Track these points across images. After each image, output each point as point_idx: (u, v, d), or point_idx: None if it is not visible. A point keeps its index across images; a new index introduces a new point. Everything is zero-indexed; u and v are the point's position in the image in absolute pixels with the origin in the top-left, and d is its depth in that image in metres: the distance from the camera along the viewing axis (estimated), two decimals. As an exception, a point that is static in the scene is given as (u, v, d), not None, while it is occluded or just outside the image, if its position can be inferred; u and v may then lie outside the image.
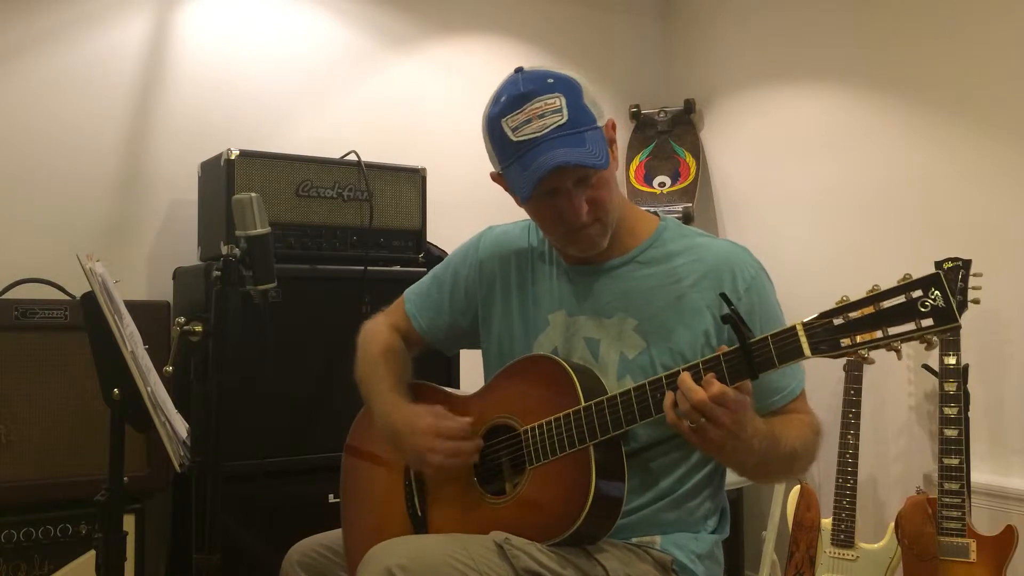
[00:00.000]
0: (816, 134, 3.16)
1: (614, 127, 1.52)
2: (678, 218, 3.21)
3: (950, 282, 2.42)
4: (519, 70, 1.48)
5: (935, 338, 1.20)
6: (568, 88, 1.44)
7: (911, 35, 2.86)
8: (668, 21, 3.78)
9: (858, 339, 1.21)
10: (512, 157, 1.44)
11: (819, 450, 1.51)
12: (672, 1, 3.77)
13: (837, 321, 1.23)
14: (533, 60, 3.54)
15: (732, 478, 1.67)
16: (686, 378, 1.29)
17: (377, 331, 1.76)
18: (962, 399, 2.39)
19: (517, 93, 1.43)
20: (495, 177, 1.54)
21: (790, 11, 3.26)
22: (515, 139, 1.43)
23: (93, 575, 1.61)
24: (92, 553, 1.62)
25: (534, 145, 1.41)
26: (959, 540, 2.34)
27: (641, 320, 1.52)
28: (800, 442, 1.44)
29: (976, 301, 2.43)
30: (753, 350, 1.27)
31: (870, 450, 2.85)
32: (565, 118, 1.41)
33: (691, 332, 1.49)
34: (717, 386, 1.27)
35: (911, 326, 1.18)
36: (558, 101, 1.42)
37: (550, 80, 1.44)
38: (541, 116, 1.41)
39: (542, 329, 1.60)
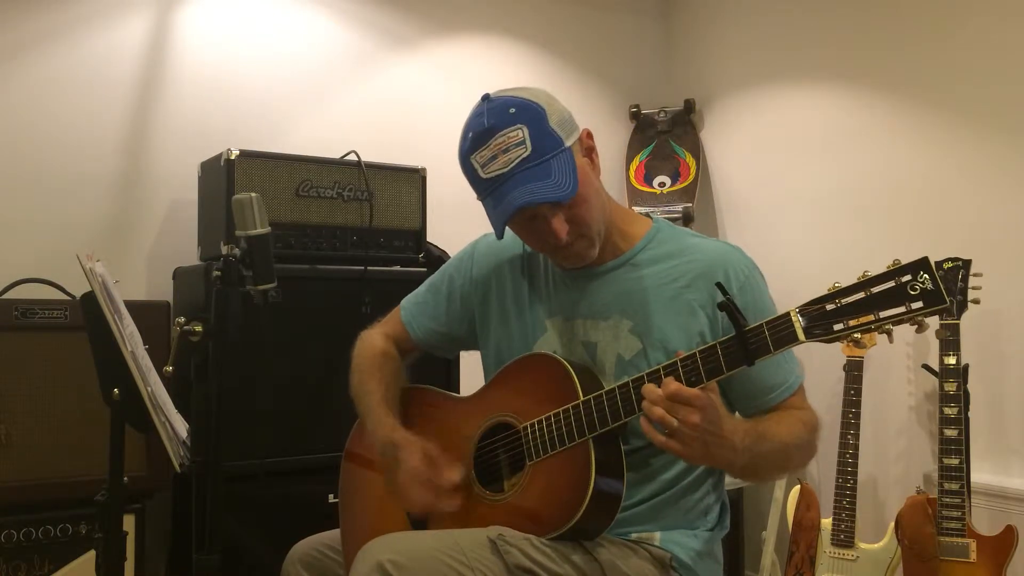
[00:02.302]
0: (816, 134, 3.16)
1: (590, 136, 1.52)
2: (677, 218, 3.26)
3: (950, 282, 2.44)
4: (485, 98, 1.49)
5: (926, 320, 1.23)
6: (530, 116, 1.44)
7: (911, 35, 2.86)
8: (668, 21, 3.78)
9: (851, 323, 1.24)
10: (485, 193, 1.47)
11: (816, 445, 1.51)
12: (672, 1, 3.77)
13: (830, 306, 1.25)
14: (533, 60, 3.57)
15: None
16: (649, 386, 1.32)
17: (371, 343, 1.77)
18: (962, 399, 2.39)
19: (481, 129, 1.45)
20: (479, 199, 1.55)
21: (790, 11, 3.26)
22: (484, 176, 1.45)
23: (93, 575, 1.61)
24: (92, 553, 1.63)
25: (501, 182, 1.43)
26: (959, 540, 2.34)
27: (636, 322, 1.53)
28: (791, 437, 1.45)
29: (976, 301, 2.43)
30: (748, 337, 1.29)
31: (870, 450, 2.85)
32: (529, 150, 1.42)
33: (685, 333, 1.50)
34: (673, 384, 1.30)
35: (901, 309, 1.21)
36: (520, 133, 1.42)
37: (512, 110, 1.44)
38: (505, 151, 1.43)
39: (540, 335, 1.61)
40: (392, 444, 1.57)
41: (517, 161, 1.42)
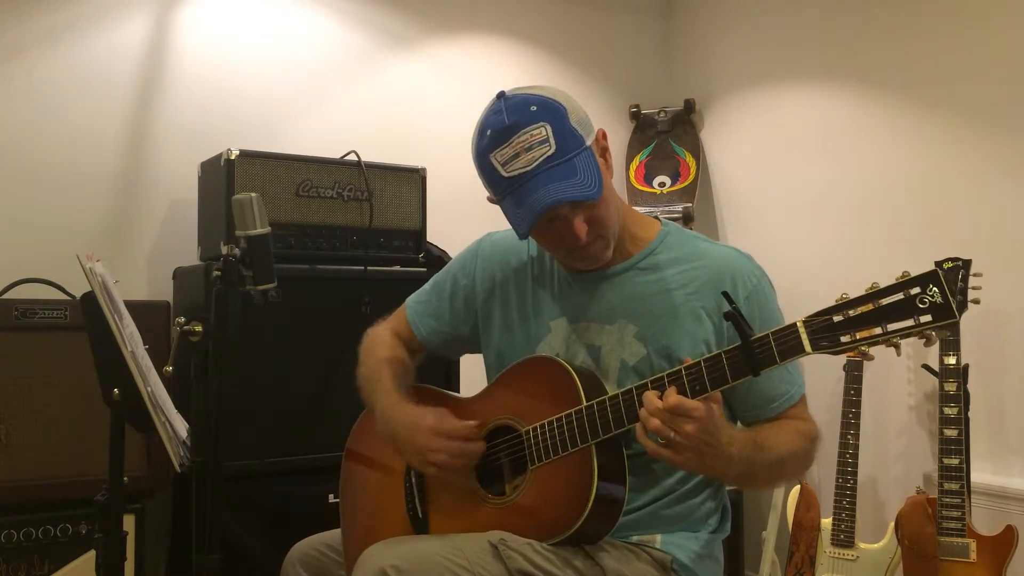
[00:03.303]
0: (816, 134, 3.16)
1: (605, 136, 1.51)
2: (677, 218, 3.25)
3: (950, 282, 2.43)
4: (501, 96, 1.46)
5: (934, 334, 1.21)
6: (552, 114, 1.42)
7: (911, 35, 2.86)
8: (668, 21, 3.78)
9: (858, 335, 1.22)
10: (505, 192, 1.44)
11: (813, 457, 1.51)
12: (672, 1, 3.77)
13: (837, 318, 1.24)
14: (533, 60, 3.56)
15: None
16: (649, 394, 1.31)
17: (380, 339, 1.76)
18: (962, 399, 2.39)
19: (502, 126, 1.41)
20: (492, 200, 1.52)
21: (790, 11, 3.26)
22: (506, 175, 1.42)
23: (93, 575, 1.61)
24: (92, 553, 1.62)
25: (525, 180, 1.40)
26: (959, 540, 2.34)
27: (641, 326, 1.52)
28: (788, 448, 1.44)
29: (976, 301, 2.43)
30: (754, 347, 1.28)
31: (870, 450, 2.85)
32: (553, 148, 1.40)
33: (691, 339, 1.49)
34: (674, 396, 1.28)
35: (910, 322, 1.19)
36: (544, 130, 1.40)
37: (533, 108, 1.41)
38: (529, 149, 1.40)
39: (543, 336, 1.60)
40: (402, 417, 1.56)
41: (542, 159, 1.39)
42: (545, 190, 1.39)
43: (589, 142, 1.45)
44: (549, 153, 1.39)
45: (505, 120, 1.41)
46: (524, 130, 1.40)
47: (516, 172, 1.41)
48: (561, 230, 1.45)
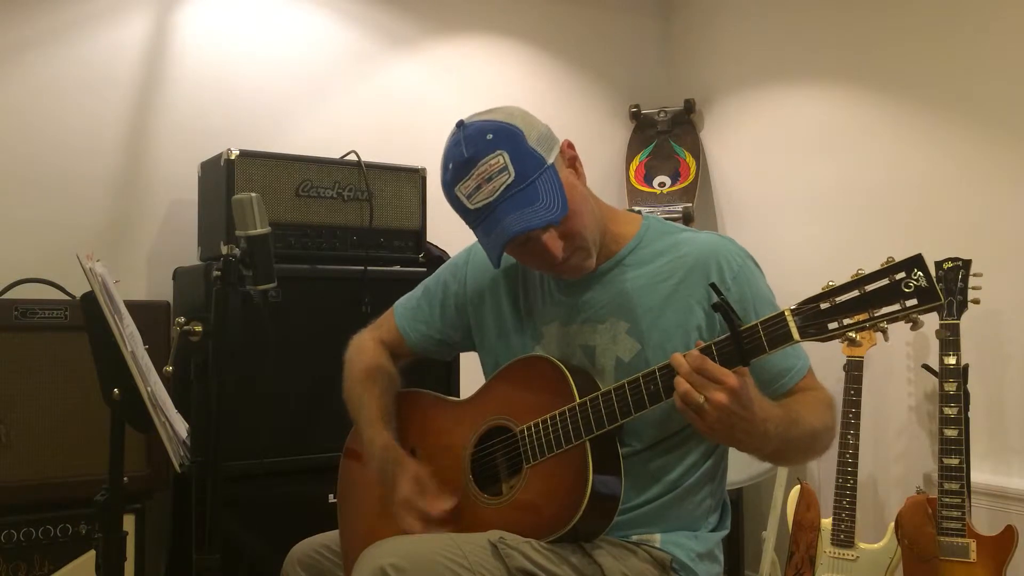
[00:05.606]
0: (816, 134, 3.16)
1: (571, 145, 1.51)
2: (677, 218, 3.26)
3: (950, 282, 2.44)
4: (460, 125, 1.47)
5: (920, 318, 1.22)
6: (508, 140, 1.42)
7: (911, 35, 2.86)
8: (668, 21, 3.78)
9: (845, 322, 1.24)
10: (474, 223, 1.47)
11: (835, 427, 1.52)
12: (672, 1, 3.77)
13: (824, 305, 1.25)
14: (533, 60, 3.56)
15: (732, 477, 1.67)
16: (676, 356, 1.31)
17: (363, 349, 1.76)
18: (962, 399, 2.39)
19: (462, 159, 1.43)
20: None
21: (790, 11, 3.26)
22: (471, 207, 1.44)
23: (93, 575, 1.61)
24: (92, 553, 1.63)
25: (491, 211, 1.42)
26: (959, 540, 2.34)
27: (633, 322, 1.52)
28: (819, 420, 1.45)
29: (976, 301, 2.43)
30: (743, 337, 1.28)
31: (870, 450, 2.85)
32: (512, 175, 1.40)
33: (683, 329, 1.50)
34: (699, 356, 1.28)
35: (896, 307, 1.21)
36: (501, 159, 1.41)
37: (489, 136, 1.42)
38: (489, 179, 1.41)
39: (538, 341, 1.61)
40: (388, 462, 1.58)
41: (502, 188, 1.40)
42: (509, 219, 1.40)
43: (551, 159, 1.45)
44: (509, 181, 1.40)
45: (464, 152, 1.43)
46: (482, 160, 1.41)
47: (480, 204, 1.42)
48: (537, 250, 1.46)
